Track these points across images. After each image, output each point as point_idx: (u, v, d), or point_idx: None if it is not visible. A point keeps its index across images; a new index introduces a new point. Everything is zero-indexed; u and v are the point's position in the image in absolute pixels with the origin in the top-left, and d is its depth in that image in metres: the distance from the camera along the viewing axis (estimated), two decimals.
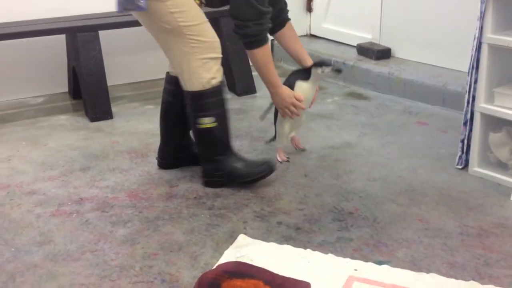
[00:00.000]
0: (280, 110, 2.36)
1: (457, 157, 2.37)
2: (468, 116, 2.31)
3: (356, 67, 3.51)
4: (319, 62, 2.40)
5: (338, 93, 3.41)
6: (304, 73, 2.38)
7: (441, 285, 1.63)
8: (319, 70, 2.35)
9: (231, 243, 1.87)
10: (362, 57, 3.58)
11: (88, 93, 3.01)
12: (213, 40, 2.16)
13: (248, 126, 2.90)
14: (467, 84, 2.30)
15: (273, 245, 1.87)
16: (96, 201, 2.16)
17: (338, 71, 2.42)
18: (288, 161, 2.46)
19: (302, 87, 2.36)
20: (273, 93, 2.31)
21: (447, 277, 1.67)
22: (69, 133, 2.82)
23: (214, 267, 1.71)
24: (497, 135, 2.25)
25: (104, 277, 1.71)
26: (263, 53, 2.20)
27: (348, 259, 1.78)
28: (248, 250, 1.83)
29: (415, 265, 1.74)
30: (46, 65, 3.27)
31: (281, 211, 2.10)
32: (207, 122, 2.19)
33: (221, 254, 1.81)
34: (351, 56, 3.63)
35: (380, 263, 1.76)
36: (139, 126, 2.90)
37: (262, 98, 3.31)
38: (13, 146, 2.69)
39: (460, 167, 2.36)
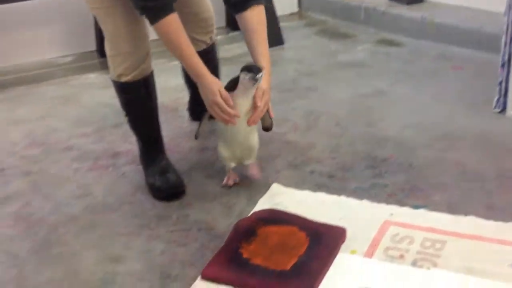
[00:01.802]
0: (207, 108, 1.81)
1: (495, 100, 2.30)
2: (506, 58, 2.23)
3: (387, 12, 3.41)
4: (246, 67, 1.76)
5: (368, 40, 3.32)
6: (232, 82, 1.81)
7: (479, 227, 1.61)
8: (246, 76, 1.75)
9: (265, 192, 1.88)
10: (393, 2, 3.47)
11: None
12: (117, 35, 1.82)
13: (277, 80, 2.87)
14: (504, 24, 2.21)
15: (306, 193, 1.87)
16: (131, 155, 2.18)
17: (255, 80, 1.75)
18: (230, 186, 1.92)
19: (234, 101, 1.78)
20: (198, 84, 1.79)
21: (485, 219, 1.64)
22: (100, 91, 2.84)
23: (249, 215, 1.73)
24: None
25: (142, 226, 1.75)
26: (167, 29, 1.71)
27: (383, 205, 1.78)
28: (282, 198, 1.84)
29: (452, 209, 1.72)
30: (73, 24, 3.27)
31: (314, 160, 2.09)
32: (124, 117, 2.00)
33: (255, 203, 1.82)
34: (382, 1, 3.51)
35: (416, 207, 1.75)
36: (168, 81, 2.89)
37: (291, 49, 3.26)
38: (47, 105, 2.73)
39: (498, 110, 2.30)
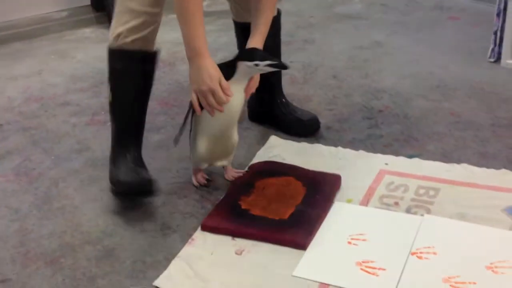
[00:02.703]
0: (191, 93, 1.54)
1: (490, 50, 2.31)
2: (502, 6, 2.23)
3: None
4: (249, 53, 1.55)
5: None
6: (226, 68, 1.54)
7: (472, 175, 1.64)
8: (249, 64, 1.53)
9: (263, 144, 1.90)
10: None
11: (112, 4, 2.97)
12: None
13: None
14: None
15: (304, 145, 1.90)
16: None
17: (281, 67, 1.57)
18: (207, 185, 1.69)
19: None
20: (192, 62, 1.52)
21: (478, 166, 1.68)
22: (96, 46, 2.83)
23: (247, 167, 1.76)
24: None
25: None
26: None
27: (379, 154, 1.81)
28: (279, 150, 1.86)
29: (446, 157, 1.76)
30: None
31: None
32: (108, 92, 1.68)
33: (253, 155, 1.85)
34: None
35: (410, 156, 1.78)
36: (165, 35, 2.86)
37: (288, 2, 3.21)
38: (43, 60, 2.72)
39: (492, 60, 2.31)
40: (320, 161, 1.79)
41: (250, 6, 1.67)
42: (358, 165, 1.75)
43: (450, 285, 1.26)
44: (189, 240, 1.48)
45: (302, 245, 1.41)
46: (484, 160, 1.72)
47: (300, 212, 1.53)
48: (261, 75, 1.63)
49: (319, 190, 1.60)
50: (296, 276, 1.33)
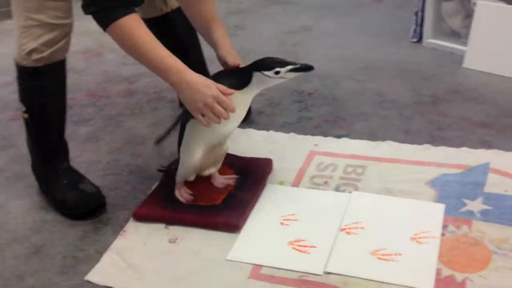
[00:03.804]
0: (195, 114, 1.38)
1: (412, 30, 2.39)
2: None
3: None
4: (266, 61, 1.39)
5: None
6: (236, 78, 1.41)
7: (397, 151, 1.71)
8: (269, 74, 1.38)
9: None
10: None
11: None
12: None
13: None
14: None
15: (236, 130, 1.90)
16: None
17: (307, 69, 1.39)
18: (193, 200, 1.52)
19: (237, 100, 1.38)
20: (178, 84, 1.36)
21: (403, 143, 1.74)
22: None
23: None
24: (449, 3, 2.26)
25: None
26: (129, 28, 1.33)
27: (308, 136, 1.84)
28: None
29: (373, 136, 1.81)
30: None
31: None
32: (23, 110, 1.55)
33: None
34: None
35: (339, 136, 1.83)
36: (90, 25, 2.80)
37: None
38: None
39: (415, 40, 2.39)
40: (253, 146, 1.80)
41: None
42: (289, 148, 1.79)
43: (377, 257, 1.31)
44: (121, 232, 1.46)
45: (235, 226, 1.43)
46: (408, 136, 1.79)
47: (232, 196, 1.54)
48: (190, 65, 1.59)
49: (251, 176, 1.61)
50: (230, 260, 1.34)
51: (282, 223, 1.45)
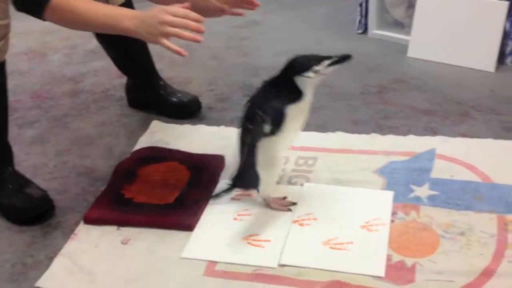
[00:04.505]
0: (161, 42, 1.32)
1: (357, 22, 2.43)
2: None
3: None
4: (303, 62, 1.33)
5: None
6: (285, 91, 1.33)
7: (346, 141, 1.73)
8: (309, 74, 1.32)
9: (145, 130, 1.87)
10: None
11: None
12: None
13: None
14: None
15: (187, 127, 1.90)
16: None
17: (346, 58, 1.37)
18: (290, 210, 1.46)
19: (295, 113, 1.35)
20: (132, 26, 1.33)
21: (351, 133, 1.77)
22: None
23: (129, 155, 1.72)
24: None
25: None
26: (65, 2, 1.33)
27: None
28: (162, 134, 1.84)
29: (323, 127, 1.83)
30: None
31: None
32: None
33: (135, 141, 1.81)
34: None
35: None
36: (33, 25, 2.72)
37: None
38: None
39: (360, 31, 2.43)
40: (204, 142, 1.79)
41: None
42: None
43: (330, 247, 1.33)
44: (72, 236, 1.43)
45: (188, 226, 1.42)
46: (357, 126, 1.82)
47: (185, 194, 1.53)
48: (131, 58, 1.53)
49: (203, 173, 1.61)
50: (184, 258, 1.33)
51: (236, 219, 1.45)
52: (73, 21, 1.36)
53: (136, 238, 1.41)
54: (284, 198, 1.49)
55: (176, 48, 1.34)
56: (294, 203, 1.47)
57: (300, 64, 1.32)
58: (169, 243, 1.38)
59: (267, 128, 1.32)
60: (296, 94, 1.33)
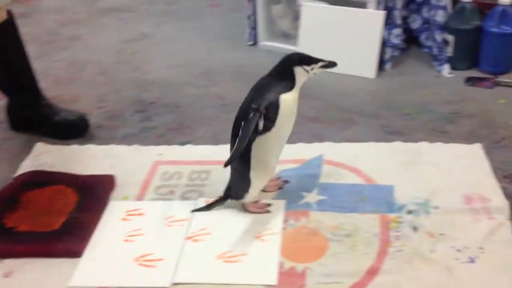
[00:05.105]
0: None
1: (247, 34, 2.47)
2: None
3: None
4: (306, 56, 1.41)
5: None
6: (283, 81, 1.40)
7: None
8: (307, 68, 1.40)
9: (28, 153, 1.77)
10: None
11: None
12: None
13: (34, 32, 2.66)
14: None
15: (74, 147, 1.82)
16: None
17: (334, 65, 1.45)
18: (268, 211, 1.49)
19: (289, 102, 1.39)
20: None
21: None
22: None
23: (11, 181, 1.62)
24: (277, 6, 2.37)
25: None
26: None
27: (152, 146, 1.81)
28: (47, 157, 1.76)
29: (216, 139, 1.83)
30: None
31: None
32: None
33: (17, 166, 1.71)
34: None
35: (183, 144, 1.82)
36: None
37: None
38: None
39: (251, 43, 2.47)
40: (93, 162, 1.73)
41: None
42: (132, 161, 1.74)
43: (224, 261, 1.33)
44: None
45: (76, 253, 1.36)
46: None
47: (72, 219, 1.46)
48: (13, 76, 1.46)
49: (92, 194, 1.55)
50: (72, 287, 1.27)
51: (126, 240, 1.41)
52: None
53: (20, 270, 1.32)
54: (257, 201, 1.50)
55: None
56: (269, 205, 1.49)
57: (302, 57, 1.41)
58: (56, 272, 1.32)
59: (261, 124, 1.35)
60: (288, 85, 1.39)
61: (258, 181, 1.44)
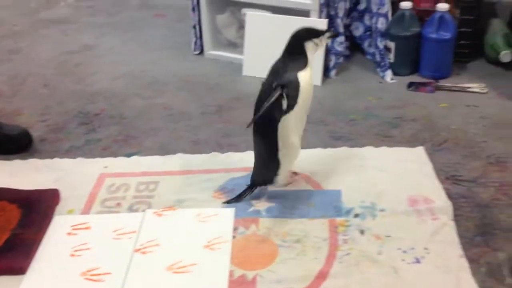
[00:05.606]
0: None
1: (193, 44, 2.46)
2: (195, 1, 2.38)
3: None
4: (312, 30, 1.46)
5: None
6: (297, 59, 1.43)
7: (187, 162, 1.73)
8: (317, 41, 1.46)
9: None
10: None
11: None
12: None
13: None
14: None
15: (17, 162, 1.77)
16: None
17: (337, 34, 1.66)
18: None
19: (307, 79, 1.43)
20: None
21: (192, 153, 1.78)
22: None
23: None
24: (222, 16, 2.38)
25: None
26: None
27: (98, 159, 1.78)
28: None
29: (163, 150, 1.81)
30: None
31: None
32: None
33: None
34: None
35: (129, 155, 1.79)
36: None
37: None
38: None
39: (197, 52, 2.46)
40: (37, 176, 1.68)
41: None
42: (77, 174, 1.70)
43: (173, 272, 1.31)
44: None
45: (19, 269, 1.31)
46: (197, 147, 1.83)
47: (15, 235, 1.41)
48: None
49: (35, 209, 1.50)
50: None
51: (73, 255, 1.37)
52: None
53: None
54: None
55: None
56: (296, 173, 1.60)
57: (309, 30, 1.46)
58: None
59: (284, 104, 1.39)
60: (302, 62, 1.43)
61: (287, 161, 1.50)
